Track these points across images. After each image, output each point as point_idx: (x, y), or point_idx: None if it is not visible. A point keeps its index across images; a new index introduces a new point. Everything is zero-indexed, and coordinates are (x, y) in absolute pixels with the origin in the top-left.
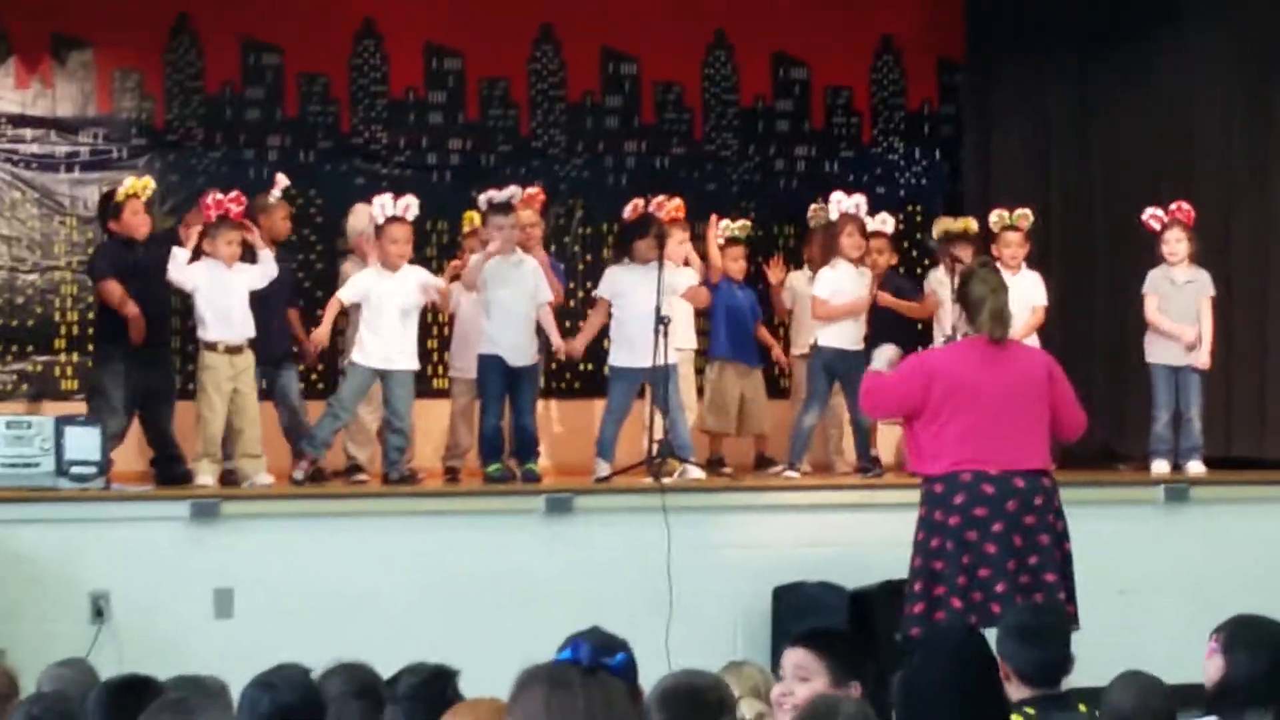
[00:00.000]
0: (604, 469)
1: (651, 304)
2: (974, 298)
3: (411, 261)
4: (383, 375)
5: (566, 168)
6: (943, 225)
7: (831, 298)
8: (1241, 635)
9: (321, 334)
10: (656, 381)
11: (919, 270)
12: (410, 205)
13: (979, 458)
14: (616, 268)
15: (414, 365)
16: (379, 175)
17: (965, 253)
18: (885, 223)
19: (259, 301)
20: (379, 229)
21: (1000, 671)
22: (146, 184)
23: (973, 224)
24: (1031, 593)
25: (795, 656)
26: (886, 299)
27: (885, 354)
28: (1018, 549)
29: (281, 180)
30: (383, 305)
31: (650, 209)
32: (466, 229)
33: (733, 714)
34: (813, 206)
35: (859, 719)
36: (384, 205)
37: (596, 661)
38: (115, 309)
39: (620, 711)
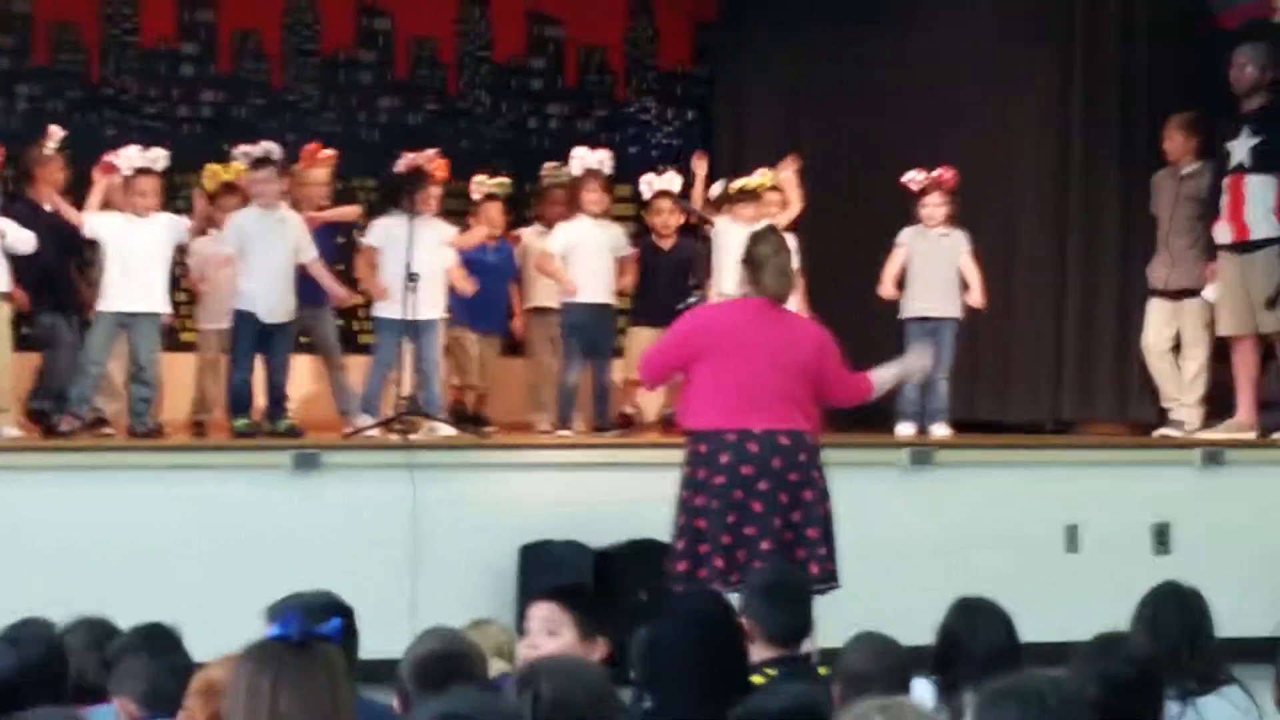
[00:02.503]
0: (364, 420)
1: (419, 259)
2: (758, 257)
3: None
4: (127, 322)
5: (320, 121)
6: (739, 183)
7: (563, 253)
8: (962, 613)
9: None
10: (415, 335)
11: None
12: (159, 157)
13: (743, 416)
14: (384, 219)
15: (162, 309)
16: (129, 125)
17: (746, 211)
18: (671, 181)
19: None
20: (127, 180)
21: (744, 633)
22: None
23: (767, 179)
24: (794, 548)
25: (542, 610)
26: None
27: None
28: (783, 505)
29: (56, 132)
30: (132, 248)
31: (419, 162)
32: (210, 184)
33: (485, 676)
34: (546, 165)
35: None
36: (130, 157)
37: (308, 633)
38: None
39: (333, 682)
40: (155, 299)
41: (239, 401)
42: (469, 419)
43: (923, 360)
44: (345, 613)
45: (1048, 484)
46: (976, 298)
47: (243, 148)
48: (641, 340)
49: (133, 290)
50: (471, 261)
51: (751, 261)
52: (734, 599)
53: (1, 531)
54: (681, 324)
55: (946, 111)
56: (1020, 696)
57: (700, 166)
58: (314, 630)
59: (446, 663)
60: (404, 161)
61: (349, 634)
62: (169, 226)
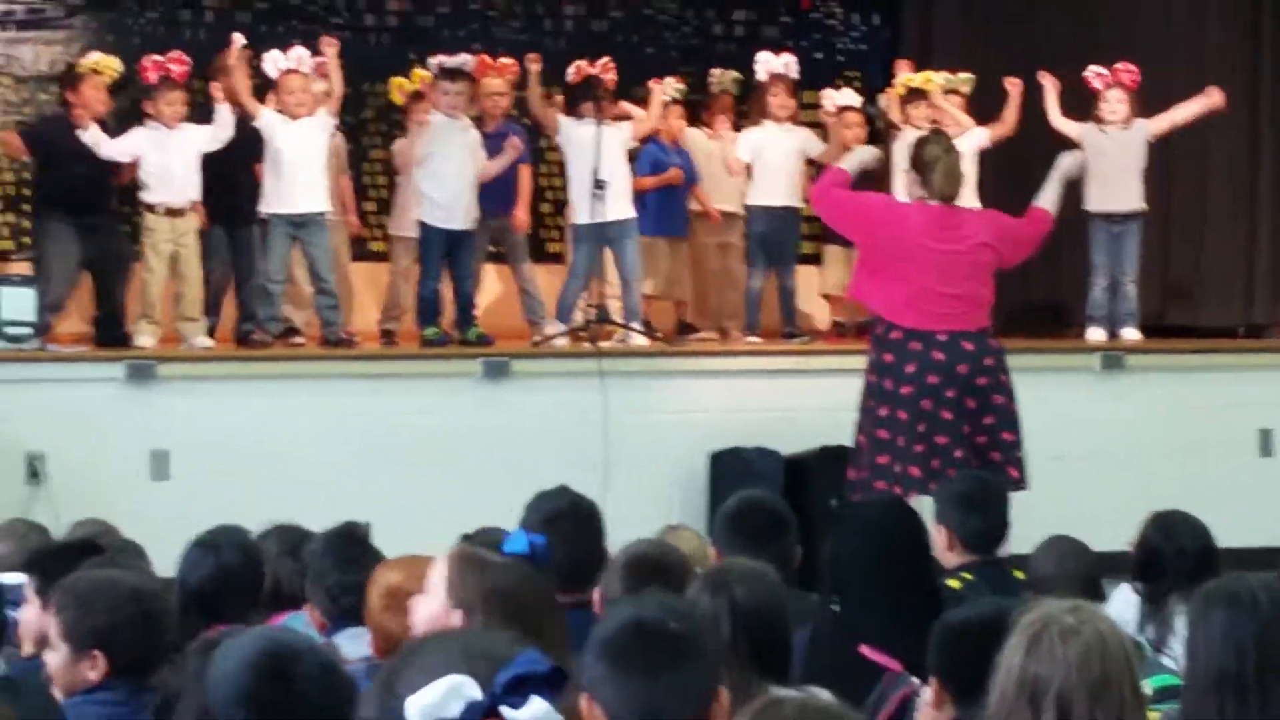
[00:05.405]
0: (554, 329)
1: (606, 164)
2: (927, 158)
3: (341, 126)
4: (298, 223)
5: (504, 30)
6: (905, 80)
7: (750, 158)
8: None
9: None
10: (607, 243)
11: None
12: (302, 56)
13: (927, 323)
14: (569, 122)
15: (326, 208)
16: (316, 36)
17: (919, 111)
18: (852, 96)
19: (220, 160)
20: (276, 83)
21: (942, 539)
22: (111, 65)
23: (933, 77)
24: (989, 452)
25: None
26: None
27: (866, 154)
28: (972, 411)
29: (239, 39)
30: (289, 149)
31: (590, 70)
32: (398, 96)
33: (688, 583)
34: (714, 71)
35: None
36: (276, 59)
37: (544, 556)
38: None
39: (542, 601)
40: (318, 198)
41: (428, 310)
42: (684, 328)
43: (1072, 158)
44: (591, 514)
45: (1241, 388)
46: (1213, 97)
47: (440, 57)
48: (833, 256)
49: (294, 192)
50: (659, 165)
51: (920, 163)
52: (927, 504)
53: (194, 440)
54: (875, 200)
55: (1138, 16)
56: (1232, 600)
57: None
58: (536, 547)
59: (656, 566)
60: (574, 70)
61: (596, 532)
62: (321, 125)
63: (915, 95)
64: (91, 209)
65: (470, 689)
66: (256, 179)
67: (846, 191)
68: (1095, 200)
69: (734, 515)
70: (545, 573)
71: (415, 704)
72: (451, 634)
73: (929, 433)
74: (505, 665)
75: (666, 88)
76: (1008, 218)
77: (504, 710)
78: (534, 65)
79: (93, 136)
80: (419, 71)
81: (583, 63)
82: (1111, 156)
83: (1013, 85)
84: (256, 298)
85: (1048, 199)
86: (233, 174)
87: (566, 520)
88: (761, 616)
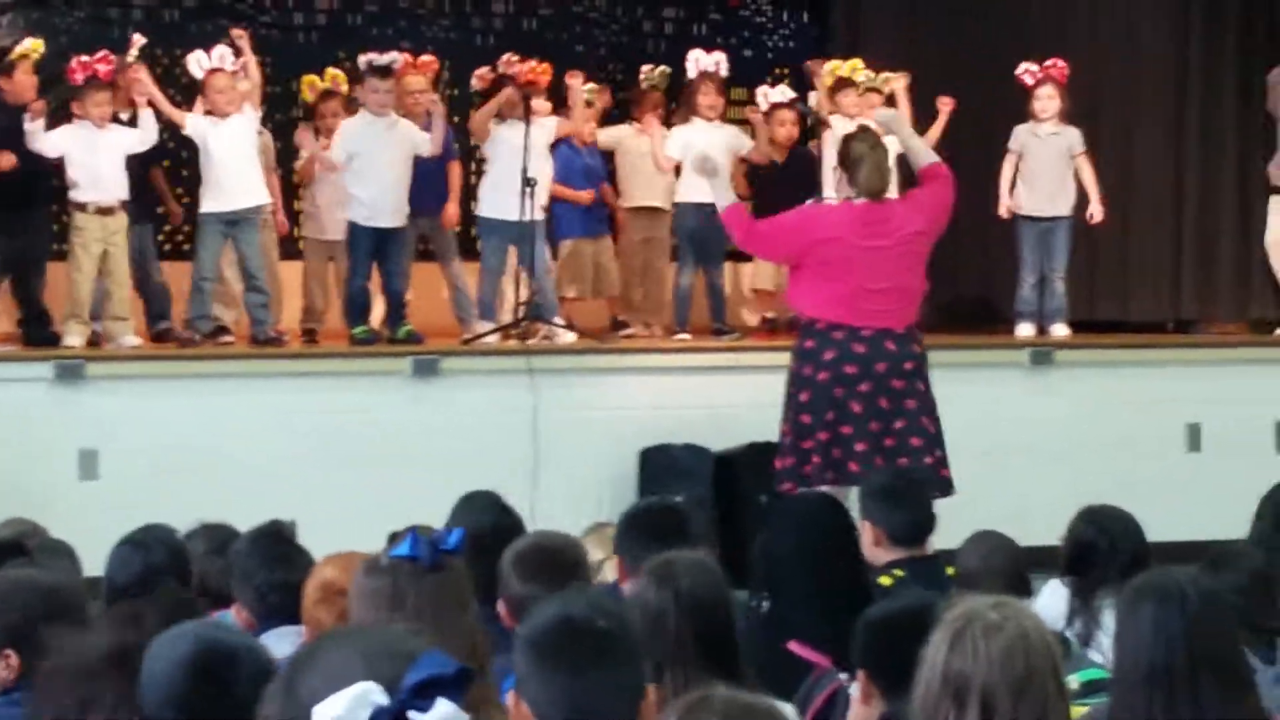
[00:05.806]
0: (484, 327)
1: (533, 163)
2: (854, 155)
3: (267, 121)
4: (232, 220)
5: (433, 28)
6: (832, 68)
7: (680, 157)
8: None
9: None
10: (523, 241)
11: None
12: (225, 55)
13: (853, 317)
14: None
15: (262, 200)
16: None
17: (848, 100)
18: (785, 93)
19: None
20: (203, 83)
21: (869, 536)
22: (37, 46)
23: (859, 64)
24: (896, 456)
25: None
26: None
27: (719, 178)
28: (883, 410)
29: (138, 40)
30: (220, 148)
31: (502, 69)
32: (309, 95)
33: (587, 574)
34: (644, 68)
35: (697, 568)
36: (200, 60)
37: (438, 553)
38: None
39: (461, 600)
40: (254, 193)
41: (357, 308)
42: (617, 325)
43: (884, 112)
44: (515, 526)
45: (1169, 383)
46: (1096, 210)
47: (370, 55)
48: None
49: (228, 189)
50: (574, 166)
51: (847, 160)
52: (850, 496)
53: (123, 439)
54: (793, 217)
55: (1066, 14)
56: (1161, 594)
57: (818, 68)
58: (444, 548)
59: (543, 556)
60: (477, 77)
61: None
62: (248, 120)
63: (843, 84)
64: (22, 205)
65: (376, 695)
66: (151, 180)
67: (764, 223)
68: (1024, 202)
69: (631, 522)
70: (449, 571)
71: (322, 716)
72: (348, 632)
73: (835, 422)
74: (405, 660)
75: (586, 91)
76: (924, 194)
77: (411, 715)
78: (477, 82)
79: (32, 126)
80: (331, 70)
81: (485, 70)
82: (1041, 160)
83: (944, 105)
84: (182, 295)
85: (924, 153)
86: (137, 174)
87: (490, 535)
88: (707, 609)
